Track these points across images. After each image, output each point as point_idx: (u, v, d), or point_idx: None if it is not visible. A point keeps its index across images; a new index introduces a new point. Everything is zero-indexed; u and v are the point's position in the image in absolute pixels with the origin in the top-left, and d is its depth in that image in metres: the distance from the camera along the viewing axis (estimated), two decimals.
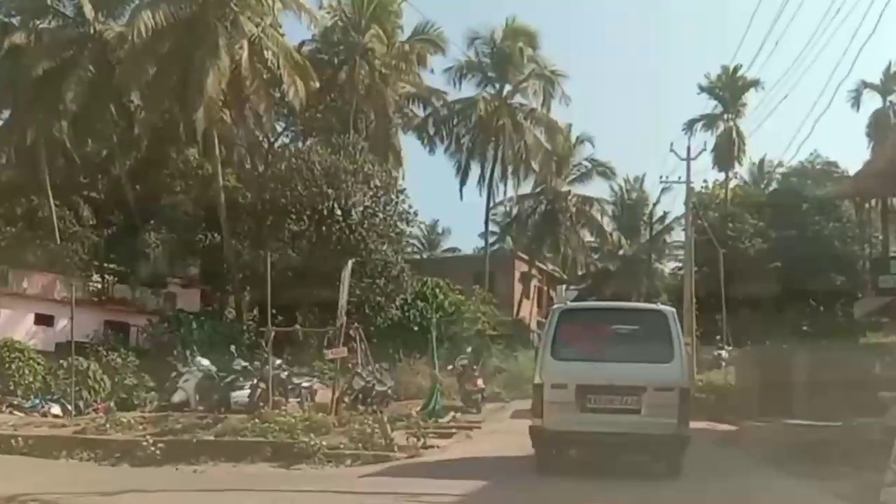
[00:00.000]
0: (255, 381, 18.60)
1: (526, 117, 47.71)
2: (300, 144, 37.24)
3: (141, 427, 15.58)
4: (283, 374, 20.20)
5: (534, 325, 56.70)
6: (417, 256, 56.41)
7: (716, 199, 46.20)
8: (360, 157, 34.03)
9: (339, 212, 32.82)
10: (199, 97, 29.92)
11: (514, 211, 60.83)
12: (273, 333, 20.51)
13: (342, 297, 19.25)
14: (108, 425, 15.94)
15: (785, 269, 36.57)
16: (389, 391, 22.40)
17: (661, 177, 36.85)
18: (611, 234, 61.76)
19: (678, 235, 63.95)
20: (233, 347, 22.73)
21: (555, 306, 13.77)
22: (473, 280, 44.28)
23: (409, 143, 46.23)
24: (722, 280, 31.49)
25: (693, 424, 12.59)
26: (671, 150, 32.63)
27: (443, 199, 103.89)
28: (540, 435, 12.41)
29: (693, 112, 54.86)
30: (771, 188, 49.99)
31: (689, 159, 31.36)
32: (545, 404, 12.32)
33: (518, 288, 55.37)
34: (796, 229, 37.90)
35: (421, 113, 45.95)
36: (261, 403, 17.82)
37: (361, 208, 33.39)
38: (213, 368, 20.15)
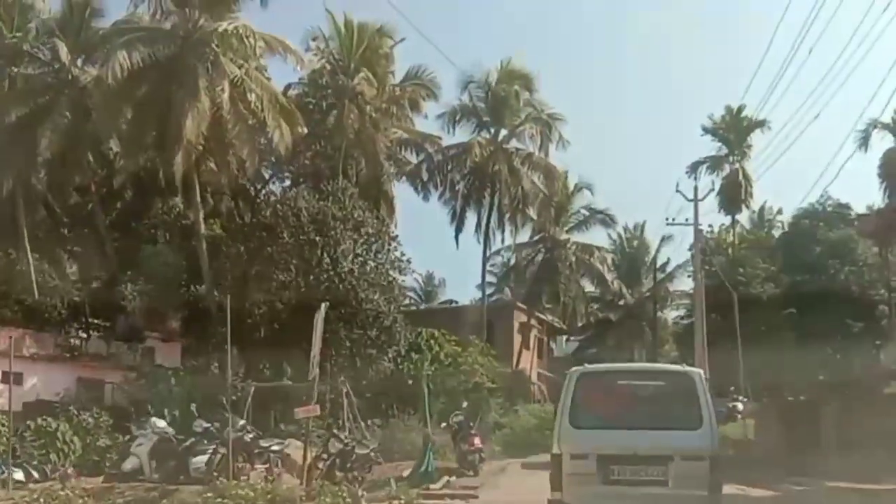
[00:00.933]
0: (216, 445, 16.88)
1: (523, 162, 46.51)
2: (287, 192, 35.76)
3: (81, 502, 13.84)
4: (248, 437, 18.60)
5: (534, 377, 55.25)
6: (413, 308, 55.20)
7: (723, 243, 44.63)
8: (350, 203, 32.78)
9: (327, 260, 31.45)
10: (177, 141, 28.71)
11: (512, 260, 59.57)
12: (252, 389, 18.92)
13: (315, 345, 17.70)
14: (41, 500, 14.10)
15: (799, 315, 34.84)
16: (373, 453, 20.68)
17: (666, 219, 35.54)
18: (612, 283, 60.12)
19: (681, 283, 63.02)
20: (193, 406, 20.58)
21: (572, 370, 12.72)
22: (470, 331, 42.71)
23: (402, 192, 44.97)
24: (737, 326, 29.75)
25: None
26: (677, 191, 31.45)
27: (438, 249, 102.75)
28: None
29: (695, 156, 53.86)
30: (775, 234, 48.59)
31: (696, 200, 30.23)
32: (564, 477, 11.58)
33: (517, 339, 53.88)
34: (810, 273, 36.29)
35: (414, 159, 44.78)
36: (215, 473, 16.01)
37: (351, 256, 31.99)
38: (171, 431, 18.47)
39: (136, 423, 20.56)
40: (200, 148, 30.27)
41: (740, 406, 32.50)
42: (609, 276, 61.23)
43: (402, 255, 34.60)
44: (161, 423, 18.97)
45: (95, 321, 34.51)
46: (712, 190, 33.26)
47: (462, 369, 36.84)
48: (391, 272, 34.14)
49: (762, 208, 54.29)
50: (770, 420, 22.51)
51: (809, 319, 35.61)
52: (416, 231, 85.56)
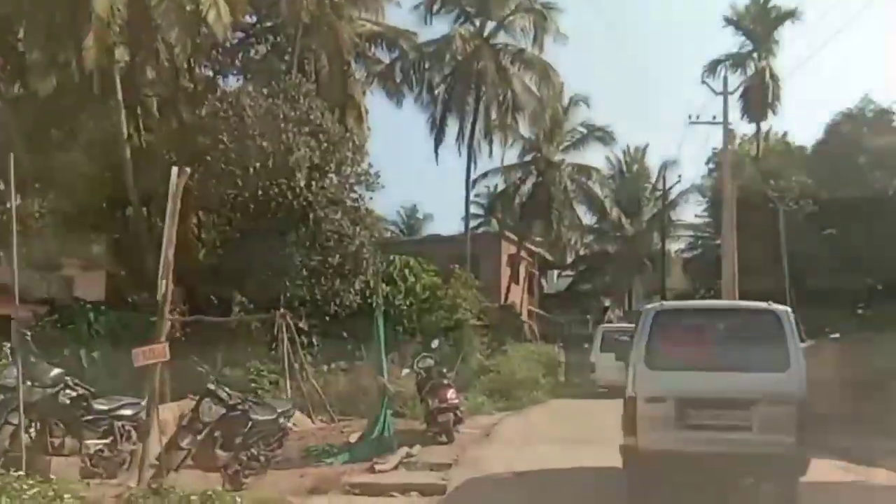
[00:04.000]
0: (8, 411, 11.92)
1: (513, 60, 41.49)
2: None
3: None
4: (66, 397, 12.94)
5: (525, 315, 51.10)
6: (390, 239, 51.13)
7: (746, 155, 39.78)
8: (306, 102, 28.02)
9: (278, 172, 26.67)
10: (85, 18, 23.50)
11: (500, 185, 54.97)
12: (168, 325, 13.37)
13: (165, 235, 12.47)
14: None
15: (841, 236, 30.33)
16: (283, 419, 14.40)
17: (689, 116, 30.61)
18: (610, 211, 55.63)
19: (683, 213, 58.99)
20: (7, 346, 14.98)
21: (648, 306, 12.78)
22: (454, 264, 38.15)
23: (378, 106, 39.93)
24: (782, 243, 25.14)
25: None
26: (703, 82, 26.77)
27: (419, 177, 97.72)
28: (633, 456, 11.52)
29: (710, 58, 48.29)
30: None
31: (726, 93, 25.53)
32: (639, 420, 11.44)
33: (506, 272, 49.77)
34: (853, 187, 31.79)
35: (386, 59, 39.53)
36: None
37: (307, 166, 27.18)
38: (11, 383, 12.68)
39: None
40: (117, 29, 25.16)
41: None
42: (608, 204, 56.49)
43: (370, 167, 30.00)
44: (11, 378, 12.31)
45: None
46: (742, 84, 28.40)
47: (442, 303, 32.38)
48: (357, 188, 29.50)
49: (768, 133, 49.15)
50: (824, 365, 17.87)
51: (854, 240, 31.18)
52: (395, 154, 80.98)
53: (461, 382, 26.25)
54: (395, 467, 14.08)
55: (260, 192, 26.80)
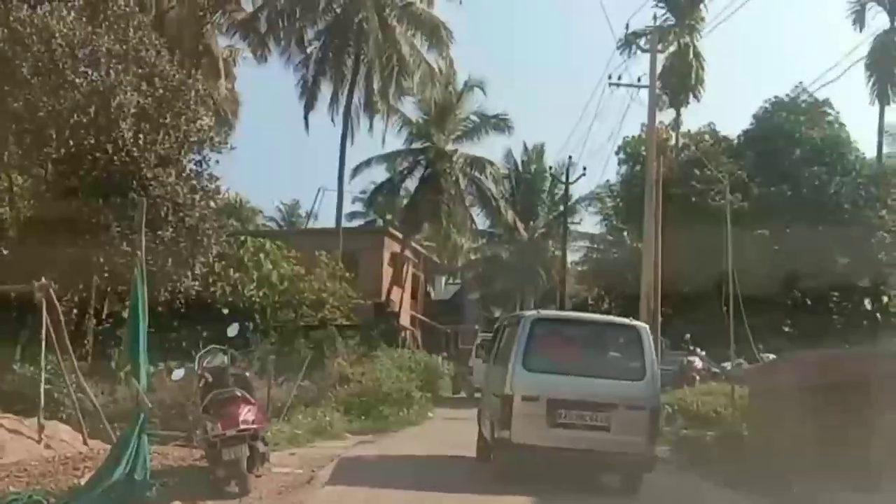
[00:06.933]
0: None
1: (399, 17, 36.88)
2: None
3: None
4: None
5: (407, 321, 46.86)
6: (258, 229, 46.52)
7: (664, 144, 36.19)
8: (136, 36, 23.13)
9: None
10: None
11: (381, 172, 50.65)
12: None
13: None
14: None
15: (773, 237, 26.82)
16: None
17: (609, 77, 26.59)
18: (504, 211, 52.05)
19: (582, 225, 56.54)
20: None
21: (526, 314, 14.79)
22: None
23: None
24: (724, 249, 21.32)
25: None
26: (621, 45, 22.93)
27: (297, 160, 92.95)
28: (506, 448, 13.10)
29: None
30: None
31: (654, 51, 21.72)
32: (514, 416, 12.91)
33: (387, 272, 45.47)
34: (789, 183, 28.36)
35: (249, 7, 34.75)
36: None
37: (133, 110, 22.28)
38: None
39: None
40: None
41: (698, 362, 24.48)
42: (502, 206, 52.76)
43: (224, 127, 25.46)
44: None
45: None
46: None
47: (304, 298, 27.89)
48: (201, 148, 24.70)
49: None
50: (789, 390, 14.19)
51: (788, 243, 27.69)
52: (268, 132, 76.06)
53: (312, 395, 21.63)
54: None
55: (72, 143, 21.90)
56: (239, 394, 12.10)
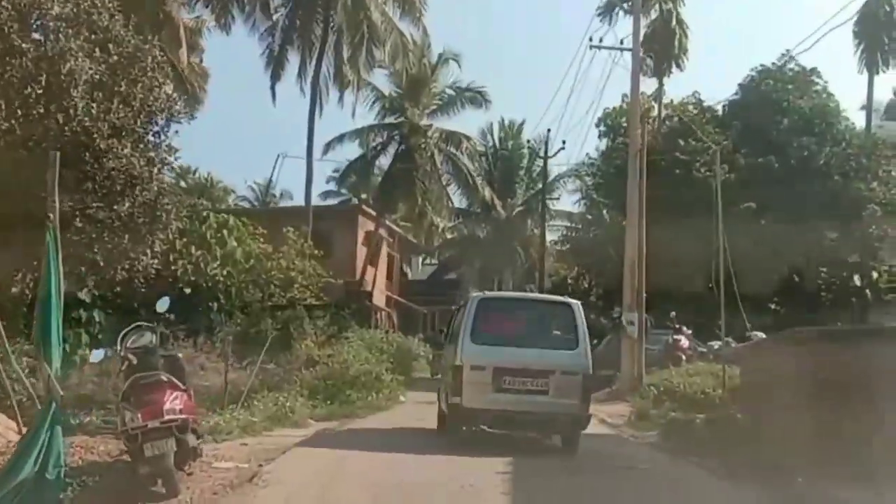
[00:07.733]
0: None
1: None
2: None
3: None
4: None
5: (382, 302, 45.94)
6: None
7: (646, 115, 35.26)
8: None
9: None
10: None
11: (355, 148, 49.76)
12: None
13: None
14: None
15: (761, 211, 25.94)
16: None
17: (591, 39, 25.55)
18: (481, 188, 51.21)
19: (560, 203, 56.11)
20: None
21: (474, 294, 17.45)
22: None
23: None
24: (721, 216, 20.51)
25: None
26: (601, 10, 22.02)
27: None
28: (457, 412, 15.24)
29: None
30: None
31: (638, 10, 20.89)
32: (464, 384, 15.02)
33: (361, 252, 44.32)
34: (776, 154, 27.50)
35: None
36: None
37: (85, 81, 21.08)
38: None
39: None
40: None
41: (684, 341, 23.66)
42: (479, 182, 51.86)
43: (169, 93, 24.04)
44: None
45: None
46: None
47: (271, 275, 26.85)
48: (158, 117, 23.47)
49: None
50: (789, 372, 13.23)
51: (776, 217, 26.87)
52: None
53: (277, 378, 20.62)
54: None
55: (20, 113, 20.65)
56: (165, 378, 10.76)
